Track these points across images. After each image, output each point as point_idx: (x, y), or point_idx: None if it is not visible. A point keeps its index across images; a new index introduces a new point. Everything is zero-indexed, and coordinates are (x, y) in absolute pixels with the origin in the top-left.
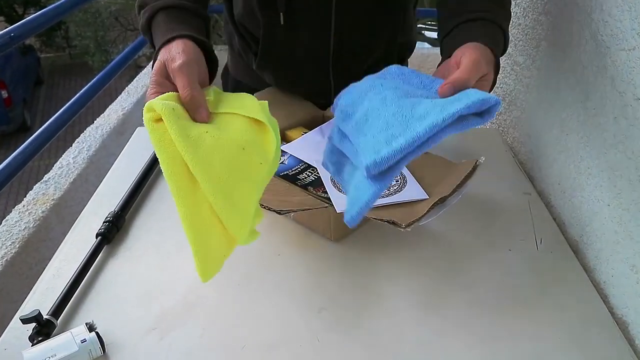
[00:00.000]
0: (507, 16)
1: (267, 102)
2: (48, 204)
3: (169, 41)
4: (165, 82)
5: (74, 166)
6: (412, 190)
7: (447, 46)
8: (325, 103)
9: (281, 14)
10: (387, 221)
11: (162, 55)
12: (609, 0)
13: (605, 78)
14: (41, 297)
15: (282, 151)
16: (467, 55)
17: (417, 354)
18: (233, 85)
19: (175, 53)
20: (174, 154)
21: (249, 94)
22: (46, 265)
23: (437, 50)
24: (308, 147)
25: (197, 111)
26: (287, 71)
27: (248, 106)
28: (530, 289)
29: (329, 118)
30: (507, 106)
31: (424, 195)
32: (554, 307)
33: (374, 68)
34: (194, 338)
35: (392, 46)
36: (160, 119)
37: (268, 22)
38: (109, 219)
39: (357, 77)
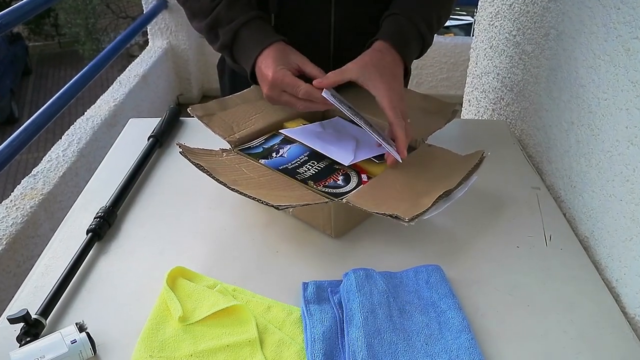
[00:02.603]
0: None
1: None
2: (37, 199)
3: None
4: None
5: (63, 159)
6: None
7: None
8: None
9: (272, 15)
10: (390, 215)
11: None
12: None
13: (618, 67)
14: (29, 296)
15: (281, 144)
16: (380, 97)
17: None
18: (230, 75)
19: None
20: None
21: (209, 290)
22: (35, 262)
23: (440, 39)
24: (306, 135)
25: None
26: None
27: (216, 301)
28: (539, 287)
29: (329, 111)
30: (515, 97)
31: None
32: (564, 306)
33: None
34: None
35: None
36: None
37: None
38: (100, 214)
39: None
